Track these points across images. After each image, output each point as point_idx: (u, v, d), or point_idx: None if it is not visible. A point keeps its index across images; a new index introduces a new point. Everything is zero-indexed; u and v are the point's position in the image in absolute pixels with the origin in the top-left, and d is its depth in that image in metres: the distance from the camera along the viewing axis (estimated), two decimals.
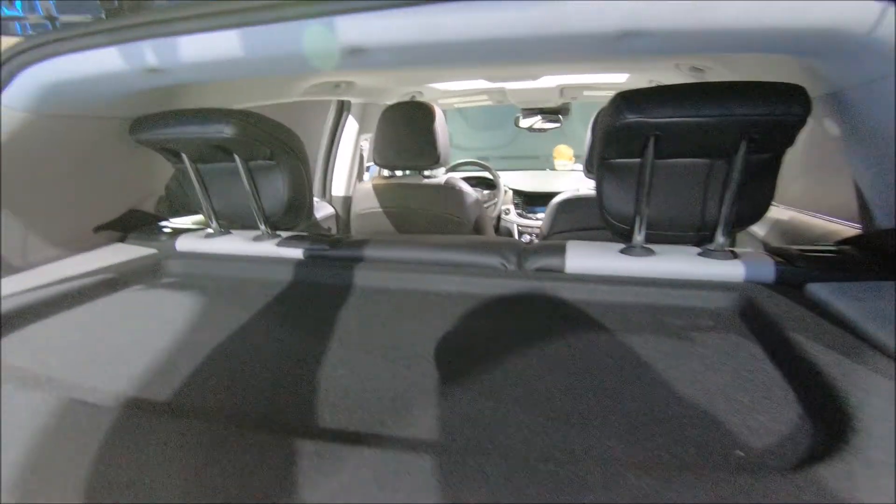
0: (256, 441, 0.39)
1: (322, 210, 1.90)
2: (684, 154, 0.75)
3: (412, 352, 0.57)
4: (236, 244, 0.95)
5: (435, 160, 1.50)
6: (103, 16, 0.69)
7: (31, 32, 0.86)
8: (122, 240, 1.04)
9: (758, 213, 0.77)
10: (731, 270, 0.71)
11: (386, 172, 1.76)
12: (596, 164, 0.82)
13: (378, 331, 0.63)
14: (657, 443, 0.40)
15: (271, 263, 0.87)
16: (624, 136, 0.71)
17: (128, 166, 1.03)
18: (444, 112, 1.54)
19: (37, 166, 0.85)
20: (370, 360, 0.56)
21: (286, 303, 0.75)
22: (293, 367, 0.55)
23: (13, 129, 0.77)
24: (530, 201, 2.55)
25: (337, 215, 1.98)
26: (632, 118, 0.67)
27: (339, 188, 2.02)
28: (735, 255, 0.74)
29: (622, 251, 0.78)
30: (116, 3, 0.70)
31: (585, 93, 2.04)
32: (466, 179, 1.74)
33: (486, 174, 2.51)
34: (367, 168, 2.21)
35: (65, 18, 0.82)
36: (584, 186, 1.97)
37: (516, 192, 2.62)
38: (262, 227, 0.96)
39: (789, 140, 0.69)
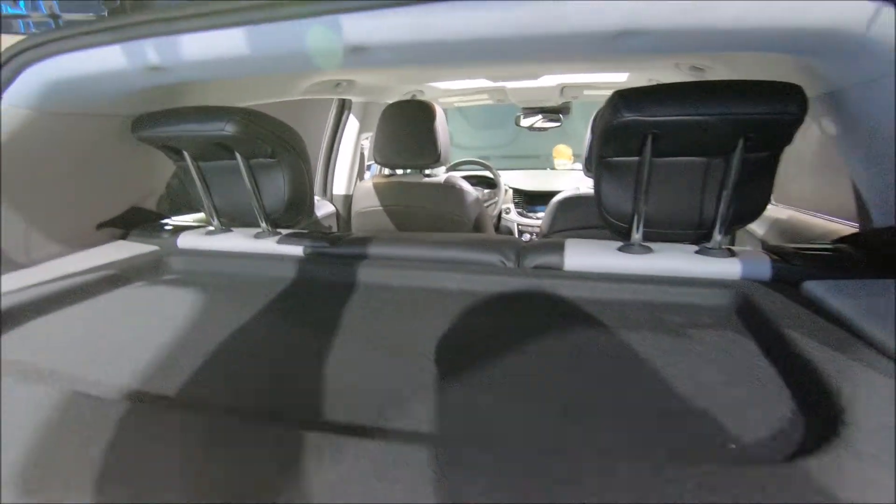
0: (257, 433, 0.40)
1: (323, 208, 1.90)
2: (682, 152, 0.75)
3: (411, 347, 0.57)
4: (237, 241, 0.96)
5: (435, 159, 1.50)
6: (106, 14, 0.70)
7: (34, 31, 0.87)
8: (124, 237, 1.04)
9: (755, 211, 0.77)
10: (728, 268, 0.72)
11: (386, 171, 1.77)
12: (594, 163, 0.83)
13: (378, 326, 0.64)
14: (652, 435, 0.40)
15: (272, 260, 0.88)
16: (622, 134, 0.72)
17: (130, 164, 1.04)
18: (445, 111, 1.54)
19: (40, 164, 0.86)
20: (370, 355, 0.56)
21: (286, 299, 0.75)
22: (293, 361, 0.55)
23: (16, 127, 0.78)
24: (531, 200, 2.55)
25: (338, 213, 1.99)
26: (629, 116, 0.68)
27: (339, 186, 2.03)
28: (732, 253, 0.74)
29: (620, 249, 0.79)
30: (119, 1, 0.70)
31: (586, 92, 2.04)
32: (467, 178, 1.75)
33: (487, 173, 2.51)
34: (368, 167, 2.22)
35: (67, 17, 0.82)
36: (585, 185, 1.97)
37: (517, 192, 2.62)
38: (263, 224, 0.97)
39: (787, 139, 0.69)
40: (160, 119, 0.90)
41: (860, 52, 0.57)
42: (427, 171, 1.65)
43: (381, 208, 1.63)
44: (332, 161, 2.01)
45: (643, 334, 0.59)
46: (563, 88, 1.97)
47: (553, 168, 2.98)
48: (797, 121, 0.64)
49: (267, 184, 0.96)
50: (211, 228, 1.01)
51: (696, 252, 0.76)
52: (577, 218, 1.39)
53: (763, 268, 0.71)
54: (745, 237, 1.46)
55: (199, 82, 1.03)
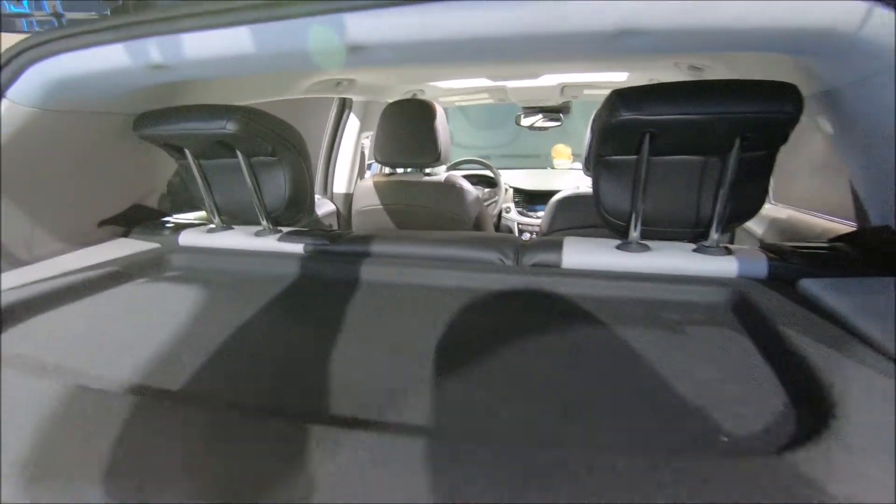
0: (257, 427, 0.40)
1: (323, 207, 1.91)
2: (679, 151, 0.76)
3: (411, 344, 0.58)
4: (238, 239, 0.97)
5: (435, 158, 1.50)
6: (108, 13, 0.70)
7: (37, 29, 0.87)
8: (125, 234, 1.05)
9: (752, 209, 0.77)
10: (725, 266, 0.72)
11: (387, 170, 1.77)
12: (592, 162, 0.83)
13: (377, 323, 0.64)
14: (647, 431, 0.41)
15: (272, 258, 0.89)
16: (619, 133, 0.72)
17: (131, 162, 1.04)
18: (446, 110, 1.55)
19: (42, 161, 0.87)
20: (369, 351, 0.57)
21: (287, 296, 0.76)
22: (293, 357, 0.56)
23: (19, 125, 0.79)
24: (531, 199, 2.56)
25: (338, 212, 1.99)
26: (627, 115, 0.68)
27: (340, 185, 2.04)
28: (729, 252, 0.75)
29: (618, 247, 0.79)
30: (121, 0, 0.71)
31: (586, 91, 2.04)
32: (468, 177, 1.75)
33: (488, 172, 2.51)
34: (369, 166, 2.22)
35: (70, 15, 0.83)
36: (584, 185, 1.98)
37: (517, 191, 2.63)
38: (264, 222, 0.98)
39: (783, 138, 0.69)
40: (162, 117, 0.90)
41: (852, 51, 0.58)
42: (427, 170, 1.65)
43: (381, 207, 1.64)
44: (332, 159, 2.01)
45: (640, 331, 0.59)
46: (563, 88, 1.98)
47: (553, 167, 2.99)
48: (793, 120, 0.65)
49: (268, 182, 0.97)
50: (212, 226, 1.02)
51: (694, 250, 0.76)
52: (576, 217, 1.40)
53: (760, 266, 0.71)
54: (744, 236, 1.47)
55: (200, 81, 1.04)
